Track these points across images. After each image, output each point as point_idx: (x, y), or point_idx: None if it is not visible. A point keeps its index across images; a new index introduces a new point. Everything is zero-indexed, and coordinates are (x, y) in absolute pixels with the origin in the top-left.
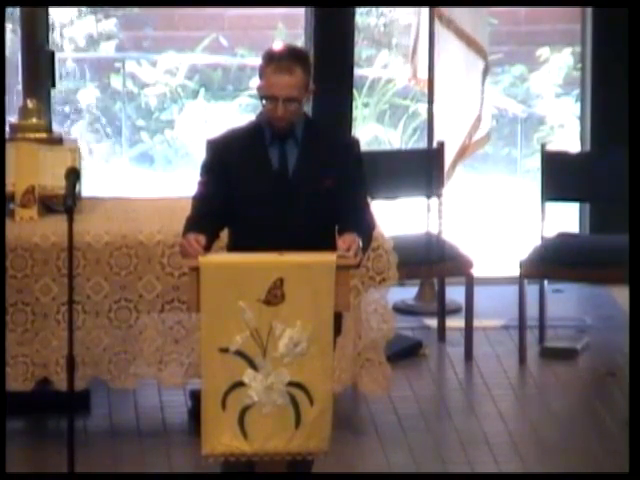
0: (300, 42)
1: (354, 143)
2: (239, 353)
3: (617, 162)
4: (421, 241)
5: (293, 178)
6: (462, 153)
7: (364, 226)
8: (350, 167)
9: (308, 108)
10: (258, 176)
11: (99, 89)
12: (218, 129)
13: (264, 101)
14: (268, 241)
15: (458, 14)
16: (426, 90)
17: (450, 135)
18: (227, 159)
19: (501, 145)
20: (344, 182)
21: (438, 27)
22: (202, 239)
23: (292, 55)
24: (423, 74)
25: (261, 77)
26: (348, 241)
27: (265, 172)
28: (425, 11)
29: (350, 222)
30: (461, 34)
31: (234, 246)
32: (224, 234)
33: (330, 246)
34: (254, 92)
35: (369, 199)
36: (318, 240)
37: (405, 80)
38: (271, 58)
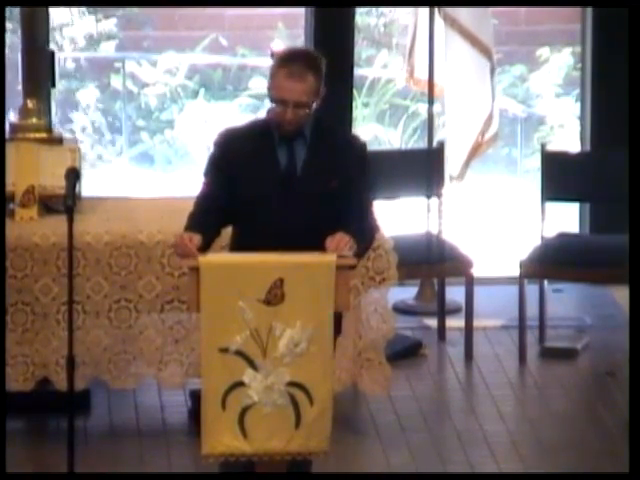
0: (300, 42)
1: (361, 146)
2: (239, 353)
3: (617, 162)
4: (421, 241)
5: (301, 178)
6: (475, 151)
7: (364, 229)
8: (355, 169)
9: None
10: (265, 175)
11: (99, 89)
12: (219, 129)
13: (274, 104)
14: (272, 240)
15: (461, 13)
16: (424, 90)
17: (462, 134)
18: (234, 156)
19: (501, 145)
20: (348, 184)
21: (443, 26)
22: (196, 239)
23: (305, 61)
24: (420, 74)
25: (271, 77)
26: (335, 241)
27: (273, 171)
28: (422, 11)
29: (350, 224)
30: (465, 33)
31: (237, 244)
32: (225, 233)
33: None
34: (254, 92)
35: (373, 203)
36: (323, 241)
37: (404, 80)
38: (284, 62)
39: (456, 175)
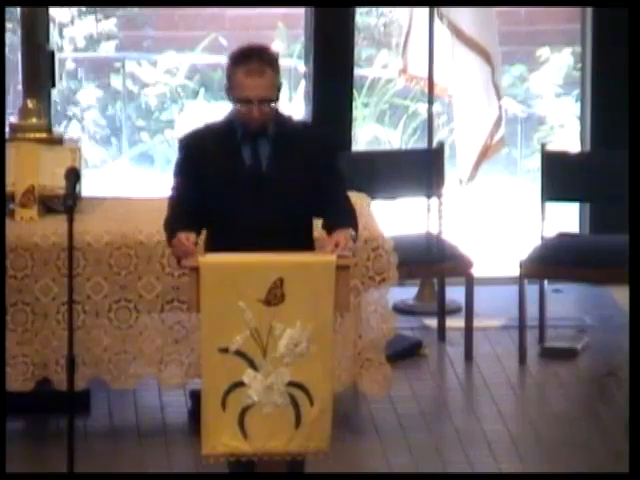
0: (300, 42)
1: (325, 133)
2: (239, 353)
3: (617, 162)
4: (421, 241)
5: (267, 174)
6: (484, 154)
7: (347, 215)
8: (324, 158)
9: (308, 108)
10: (231, 174)
11: (99, 89)
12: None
13: (238, 105)
14: (245, 239)
15: (457, 15)
16: (419, 87)
17: (470, 137)
18: (199, 157)
19: None
20: (323, 173)
21: (440, 27)
22: (193, 237)
23: (261, 57)
24: (414, 70)
25: (229, 79)
26: (334, 241)
27: (238, 170)
28: (418, 8)
29: (335, 212)
30: (461, 35)
31: (211, 246)
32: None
33: (307, 240)
34: None
35: (346, 186)
36: (295, 235)
37: (404, 79)
38: (239, 60)
39: (466, 178)
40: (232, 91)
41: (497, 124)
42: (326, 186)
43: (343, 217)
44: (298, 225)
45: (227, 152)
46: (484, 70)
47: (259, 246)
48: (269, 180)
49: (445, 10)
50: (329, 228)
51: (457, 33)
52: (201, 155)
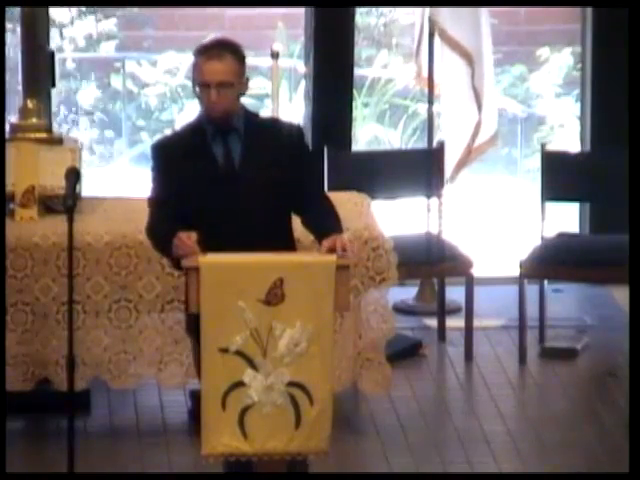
0: (300, 42)
1: (297, 129)
2: (239, 353)
3: (617, 162)
4: (421, 241)
5: (240, 172)
6: (466, 156)
7: (334, 214)
8: (298, 154)
9: (308, 108)
10: (205, 175)
11: (99, 89)
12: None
13: (200, 95)
14: (225, 239)
15: (444, 16)
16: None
17: (454, 139)
18: (173, 162)
19: (501, 145)
20: (297, 168)
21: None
22: (194, 236)
23: (220, 44)
24: (427, 73)
25: (193, 72)
26: (340, 242)
27: (211, 170)
28: (428, 11)
29: (320, 213)
30: (445, 37)
31: None
32: None
33: (287, 236)
34: (254, 92)
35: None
36: (274, 230)
37: (405, 80)
38: (201, 50)
39: (448, 178)
40: (194, 82)
41: (477, 127)
42: (302, 182)
43: (331, 219)
44: (276, 222)
45: (199, 153)
46: (465, 73)
47: (239, 244)
48: (243, 178)
49: (435, 10)
50: (315, 229)
51: (440, 33)
52: (174, 159)
